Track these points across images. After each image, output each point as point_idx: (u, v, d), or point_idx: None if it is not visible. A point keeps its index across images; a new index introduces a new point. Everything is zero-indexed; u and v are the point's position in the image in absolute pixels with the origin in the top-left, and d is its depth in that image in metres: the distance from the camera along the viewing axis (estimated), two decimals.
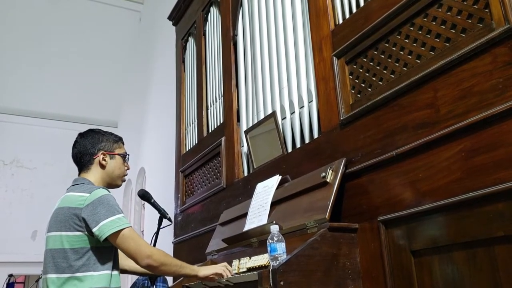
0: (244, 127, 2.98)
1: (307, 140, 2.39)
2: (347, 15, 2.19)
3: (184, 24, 4.34)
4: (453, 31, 1.64)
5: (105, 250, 1.77)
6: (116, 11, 8.81)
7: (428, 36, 1.74)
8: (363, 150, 1.95)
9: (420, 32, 1.77)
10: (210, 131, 3.51)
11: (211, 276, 1.94)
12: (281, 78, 2.66)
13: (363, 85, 2.02)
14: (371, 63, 1.99)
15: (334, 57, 2.18)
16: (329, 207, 1.88)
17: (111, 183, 1.98)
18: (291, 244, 1.87)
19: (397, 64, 1.86)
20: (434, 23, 1.72)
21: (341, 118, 2.08)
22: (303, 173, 2.25)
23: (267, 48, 2.86)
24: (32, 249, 8.16)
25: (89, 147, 1.94)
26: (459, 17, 1.62)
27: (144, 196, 2.25)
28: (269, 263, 1.81)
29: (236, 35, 3.28)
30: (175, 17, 4.49)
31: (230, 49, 3.30)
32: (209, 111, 3.61)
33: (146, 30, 8.26)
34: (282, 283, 1.61)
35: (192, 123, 3.89)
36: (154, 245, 2.19)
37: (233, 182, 3.01)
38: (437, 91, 1.65)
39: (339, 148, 2.09)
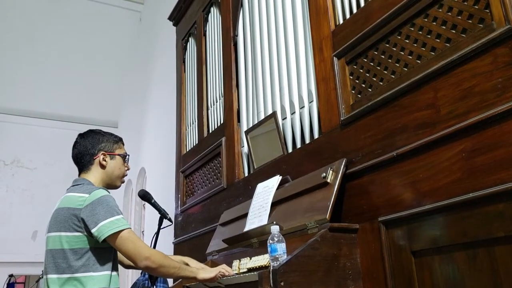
0: (244, 127, 2.98)
1: (307, 141, 2.39)
2: (348, 15, 2.19)
3: (185, 24, 4.34)
4: (454, 31, 1.64)
5: (105, 251, 1.77)
6: (116, 11, 8.81)
7: (429, 36, 1.73)
8: (363, 151, 1.95)
9: (420, 32, 1.77)
10: (210, 131, 3.51)
11: (210, 278, 1.95)
12: (282, 78, 2.66)
13: (364, 85, 2.02)
14: (372, 64, 1.99)
15: (334, 57, 2.18)
16: (330, 207, 1.88)
17: (111, 184, 1.98)
18: (291, 245, 1.87)
19: (398, 65, 1.86)
20: (434, 23, 1.72)
21: (342, 119, 2.08)
22: (303, 173, 2.25)
23: (268, 48, 2.86)
24: (32, 249, 8.17)
25: (89, 148, 1.94)
26: (459, 17, 1.62)
27: (145, 196, 2.25)
28: (270, 263, 1.81)
29: (237, 35, 3.28)
30: (176, 17, 4.50)
31: (231, 49, 3.30)
32: (209, 111, 3.61)
33: (147, 30, 8.26)
34: (282, 283, 1.61)
35: (193, 123, 3.89)
36: (155, 245, 2.19)
37: (233, 183, 3.01)
38: (437, 91, 1.65)
39: (340, 148, 2.08)
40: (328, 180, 1.98)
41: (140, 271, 2.12)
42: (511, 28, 1.42)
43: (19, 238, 8.48)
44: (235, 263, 2.24)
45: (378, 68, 1.96)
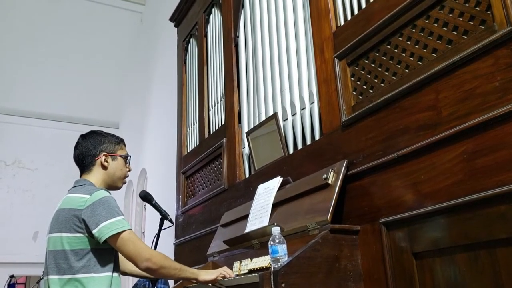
0: (245, 129, 2.98)
1: (308, 142, 2.39)
2: (349, 17, 2.19)
3: (186, 25, 4.34)
4: (455, 33, 1.64)
5: (106, 252, 1.77)
6: (117, 12, 8.82)
7: (430, 38, 1.73)
8: (364, 152, 1.95)
9: (422, 34, 1.77)
10: (211, 132, 3.52)
11: (211, 279, 1.95)
12: (283, 79, 2.66)
13: (365, 86, 2.02)
14: (373, 65, 1.99)
15: (335, 59, 2.18)
16: (331, 209, 1.88)
17: (112, 185, 1.98)
18: (292, 246, 1.87)
19: (399, 66, 1.86)
20: (436, 25, 1.72)
21: (343, 120, 2.08)
22: (304, 174, 2.24)
23: (269, 49, 2.86)
24: (33, 250, 8.17)
25: (91, 149, 1.94)
26: (461, 19, 1.62)
27: (145, 197, 2.25)
28: (271, 265, 1.81)
29: (238, 37, 3.28)
30: (177, 18, 4.50)
31: (232, 51, 3.30)
32: (210, 112, 3.61)
33: (148, 31, 8.27)
34: (283, 285, 1.61)
35: (194, 124, 3.89)
36: (156, 246, 2.19)
37: (234, 184, 3.01)
38: (439, 93, 1.65)
39: (341, 149, 2.08)
40: (329, 182, 1.98)
41: None
42: None
43: (20, 238, 8.49)
44: (236, 264, 2.24)
45: (379, 69, 1.95)
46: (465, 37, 1.59)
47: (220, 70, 3.49)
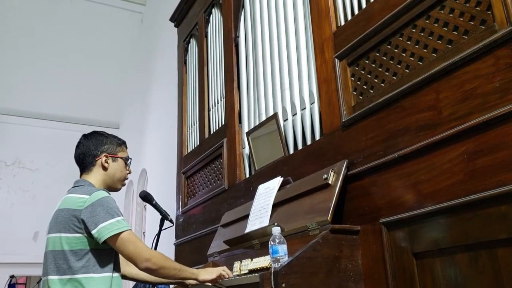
0: (245, 129, 2.98)
1: (309, 142, 2.39)
2: (349, 17, 2.19)
3: (186, 25, 4.34)
4: (455, 33, 1.63)
5: (105, 252, 1.77)
6: (118, 13, 8.83)
7: (430, 38, 1.73)
8: (365, 152, 1.95)
9: (422, 34, 1.77)
10: (211, 132, 3.52)
11: (211, 279, 1.95)
12: (283, 79, 2.66)
13: (365, 86, 2.02)
14: (373, 65, 1.99)
15: (336, 59, 2.18)
16: (331, 209, 1.88)
17: (111, 186, 1.98)
18: (292, 246, 1.87)
19: (399, 66, 1.86)
20: (436, 25, 1.72)
21: (343, 120, 2.08)
22: (304, 174, 2.24)
23: (269, 49, 2.86)
24: (33, 250, 8.17)
25: (92, 149, 1.94)
26: (461, 19, 1.62)
27: (146, 197, 2.26)
28: (271, 265, 1.81)
29: (238, 37, 3.28)
30: (177, 18, 4.50)
31: (232, 51, 3.30)
32: (210, 112, 3.61)
33: (148, 31, 8.27)
34: (283, 285, 1.61)
35: (194, 125, 3.89)
36: (156, 246, 2.19)
37: (234, 184, 3.01)
38: (439, 93, 1.65)
39: (341, 150, 2.08)
40: (330, 182, 1.98)
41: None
42: None
43: (20, 238, 8.49)
44: (236, 264, 2.24)
45: (380, 69, 1.95)
46: (466, 37, 1.59)
47: (220, 70, 3.49)
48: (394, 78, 1.88)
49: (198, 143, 3.73)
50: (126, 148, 2.06)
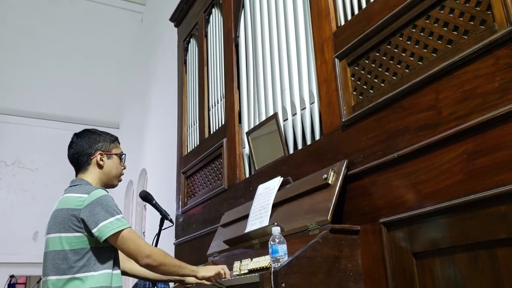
0: (245, 129, 2.98)
1: (308, 142, 2.39)
2: (349, 17, 2.19)
3: (186, 25, 4.34)
4: (455, 33, 1.64)
5: (105, 250, 1.77)
6: (118, 12, 8.83)
7: (430, 38, 1.73)
8: (365, 152, 1.95)
9: (422, 34, 1.77)
10: (211, 132, 3.52)
11: (210, 276, 1.95)
12: (283, 79, 2.66)
13: (365, 86, 2.02)
14: (373, 65, 1.99)
15: (336, 59, 2.18)
16: (331, 209, 1.88)
17: (108, 183, 1.98)
18: (292, 246, 1.87)
19: (399, 66, 1.86)
20: (436, 25, 1.72)
21: (343, 120, 2.08)
22: (304, 174, 2.24)
23: (269, 49, 2.86)
24: (33, 250, 8.17)
25: (86, 147, 1.94)
26: (461, 19, 1.62)
27: (146, 197, 2.26)
28: (271, 264, 1.81)
29: (238, 37, 3.28)
30: (177, 18, 4.50)
31: (232, 51, 3.30)
32: (210, 112, 3.61)
33: (148, 31, 8.27)
34: (283, 285, 1.61)
35: (194, 125, 3.89)
36: (156, 246, 2.18)
37: (234, 184, 3.01)
38: (439, 93, 1.65)
39: (341, 149, 2.08)
40: (329, 182, 1.98)
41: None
42: None
43: (20, 238, 8.49)
44: (236, 264, 2.24)
45: (380, 69, 1.96)
46: (465, 37, 1.59)
47: (220, 70, 3.49)
48: (394, 78, 1.88)
49: (198, 143, 3.73)
50: (119, 144, 2.06)
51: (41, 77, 8.95)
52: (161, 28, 6.93)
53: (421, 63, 1.76)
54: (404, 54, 1.84)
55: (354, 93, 2.08)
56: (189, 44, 4.26)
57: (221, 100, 3.40)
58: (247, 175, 2.95)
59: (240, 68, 3.20)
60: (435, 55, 1.70)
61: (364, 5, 2.10)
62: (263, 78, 2.87)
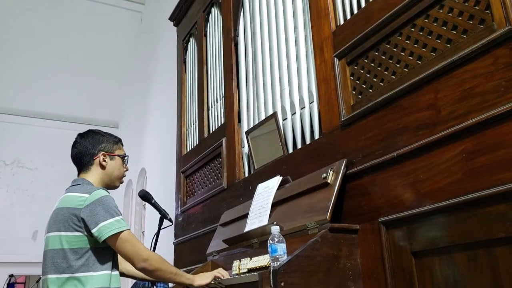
0: (245, 128, 2.98)
1: (308, 141, 2.39)
2: (348, 16, 2.19)
3: (185, 24, 4.34)
4: (454, 32, 1.64)
5: (105, 251, 1.77)
6: (117, 12, 8.82)
7: (429, 37, 1.73)
8: (364, 151, 1.95)
9: (421, 33, 1.77)
10: (211, 131, 3.52)
11: (207, 283, 1.97)
12: (282, 79, 2.66)
13: (364, 86, 2.02)
14: (372, 64, 1.99)
15: (335, 58, 2.18)
16: (330, 208, 1.88)
17: (110, 184, 1.98)
18: (291, 245, 1.87)
19: (398, 65, 1.86)
20: (435, 24, 1.72)
21: (342, 119, 2.08)
22: (304, 174, 2.25)
23: (268, 49, 2.86)
24: (32, 250, 8.17)
25: (89, 148, 1.95)
26: (460, 18, 1.62)
27: (145, 196, 2.26)
28: (270, 264, 1.81)
29: (237, 36, 3.28)
30: (176, 17, 4.50)
31: (231, 50, 3.30)
32: (210, 111, 3.61)
33: (147, 30, 8.27)
34: (282, 284, 1.61)
35: (193, 124, 3.89)
36: (155, 245, 2.19)
37: (234, 183, 3.01)
38: (438, 92, 1.65)
39: (340, 149, 2.08)
40: (329, 181, 1.98)
41: None
42: None
43: (19, 238, 8.49)
44: (236, 263, 2.24)
45: (379, 68, 1.96)
46: (464, 37, 1.59)
47: (219, 69, 3.49)
48: (393, 77, 1.88)
49: (197, 142, 3.73)
50: (122, 145, 2.07)
51: (41, 77, 8.94)
52: (161, 27, 6.93)
53: (420, 62, 1.76)
54: (403, 53, 1.84)
55: (353, 92, 2.08)
56: (189, 44, 4.26)
57: (220, 100, 3.40)
58: (247, 175, 2.95)
59: (240, 67, 3.20)
60: (434, 54, 1.70)
61: (363, 4, 2.11)
62: (262, 78, 2.87)
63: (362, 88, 2.03)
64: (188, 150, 3.92)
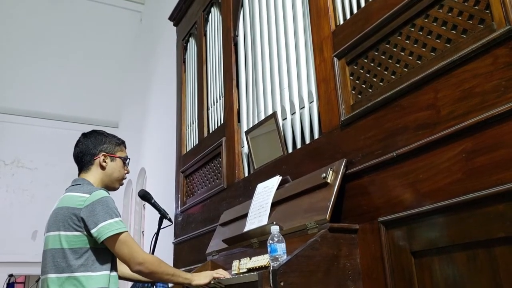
0: (244, 128, 2.98)
1: (307, 141, 2.39)
2: (348, 16, 2.19)
3: (185, 24, 4.34)
4: (454, 32, 1.64)
5: (104, 251, 1.77)
6: (117, 12, 8.82)
7: (429, 37, 1.73)
8: (363, 151, 1.95)
9: (421, 33, 1.77)
10: (210, 131, 3.51)
11: (205, 283, 1.97)
12: (282, 78, 2.66)
13: (364, 86, 2.02)
14: (372, 64, 1.99)
15: (335, 58, 2.18)
16: (330, 207, 1.88)
17: (109, 185, 1.98)
18: (291, 245, 1.87)
19: (398, 65, 1.86)
20: (435, 24, 1.72)
21: (342, 119, 2.08)
22: (303, 173, 2.24)
23: (268, 48, 2.86)
24: (32, 249, 8.17)
25: (91, 147, 1.95)
26: (460, 18, 1.62)
27: (145, 196, 2.25)
28: (270, 263, 1.81)
29: (237, 36, 3.28)
30: (176, 17, 4.50)
31: (231, 50, 3.30)
32: (209, 111, 3.61)
33: (147, 30, 8.27)
34: (282, 283, 1.61)
35: (193, 124, 3.89)
36: (155, 245, 2.19)
37: (233, 183, 3.01)
38: (438, 92, 1.65)
39: (340, 148, 2.08)
40: (328, 181, 1.98)
41: None
42: (511, 29, 1.42)
43: (19, 238, 8.48)
44: (235, 263, 2.24)
45: (379, 68, 1.96)
46: (464, 36, 1.59)
47: (219, 69, 3.49)
48: (393, 77, 1.88)
49: (197, 142, 3.73)
50: (125, 148, 2.07)
51: (40, 76, 8.94)
52: (160, 27, 6.92)
53: (420, 62, 1.76)
54: (403, 53, 1.84)
55: (353, 92, 2.08)
56: (188, 43, 4.26)
57: (220, 99, 3.40)
58: (246, 174, 2.95)
59: (239, 67, 3.20)
60: (434, 54, 1.70)
61: (363, 4, 2.10)
62: (262, 77, 2.87)
63: (362, 88, 2.03)
64: (187, 150, 3.92)
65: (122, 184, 2.06)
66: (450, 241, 1.53)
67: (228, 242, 2.46)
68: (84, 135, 2.01)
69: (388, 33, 1.91)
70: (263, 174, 2.62)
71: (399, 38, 1.87)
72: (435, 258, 1.59)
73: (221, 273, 2.05)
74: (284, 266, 1.65)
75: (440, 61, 1.64)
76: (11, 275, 7.79)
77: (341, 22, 2.23)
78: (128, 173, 2.06)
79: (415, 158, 1.70)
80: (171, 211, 2.87)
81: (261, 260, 2.05)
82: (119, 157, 2.00)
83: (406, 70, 1.82)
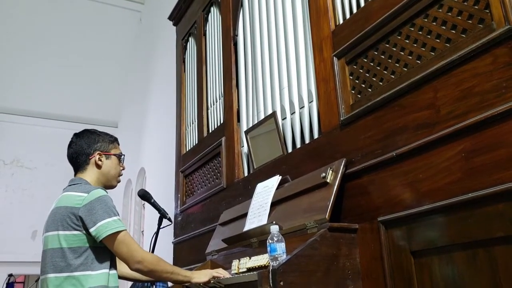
0: (244, 127, 2.98)
1: (307, 141, 2.39)
2: (348, 15, 2.19)
3: (185, 24, 4.34)
4: (454, 31, 1.64)
5: (103, 250, 1.77)
6: (116, 11, 8.81)
7: (429, 36, 1.73)
8: (363, 151, 1.95)
9: (420, 32, 1.77)
10: (210, 131, 3.51)
11: (205, 281, 1.97)
12: (282, 78, 2.66)
13: (364, 85, 2.02)
14: (372, 64, 1.99)
15: (334, 58, 2.18)
16: (329, 207, 1.88)
17: (107, 184, 1.98)
18: (291, 245, 1.87)
19: (398, 65, 1.86)
20: (434, 23, 1.72)
21: (342, 119, 2.08)
22: (303, 173, 2.24)
23: (268, 48, 2.86)
24: (32, 249, 8.16)
25: (85, 147, 1.95)
26: (459, 17, 1.62)
27: (144, 196, 2.26)
28: (269, 263, 1.81)
29: (237, 35, 3.28)
30: (176, 17, 4.50)
31: (231, 49, 3.30)
32: (209, 111, 3.61)
33: (147, 30, 8.26)
34: (282, 283, 1.61)
35: (193, 123, 3.89)
36: (155, 245, 2.19)
37: (233, 182, 3.01)
38: (437, 91, 1.65)
39: (339, 148, 2.08)
40: (328, 180, 1.98)
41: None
42: (511, 29, 1.42)
43: (18, 237, 8.48)
44: (235, 262, 2.24)
45: (378, 68, 1.96)
46: (464, 36, 1.59)
47: (219, 68, 3.49)
48: (393, 76, 1.88)
49: (196, 142, 3.73)
50: (118, 144, 2.07)
51: (40, 76, 8.93)
52: (160, 27, 6.92)
53: (419, 62, 1.76)
54: (402, 53, 1.84)
55: (353, 91, 2.08)
56: (188, 43, 4.26)
57: (219, 99, 3.40)
58: (246, 174, 2.95)
59: (239, 66, 3.20)
60: (433, 53, 1.70)
61: (362, 4, 2.10)
62: (261, 77, 2.87)
63: (362, 88, 2.03)
64: (187, 150, 3.92)
65: (119, 181, 2.06)
66: (450, 240, 1.53)
67: (227, 242, 2.47)
68: (76, 135, 2.00)
69: (387, 33, 1.91)
70: (262, 173, 2.62)
71: (399, 37, 1.87)
72: (435, 258, 1.59)
73: (220, 273, 2.06)
74: (284, 266, 1.65)
75: (440, 61, 1.64)
76: (10, 275, 7.79)
77: (341, 21, 2.23)
78: (124, 169, 2.06)
79: (415, 157, 1.70)
80: (170, 211, 2.87)
81: (260, 260, 2.05)
82: (114, 155, 2.00)
83: (405, 69, 1.82)
